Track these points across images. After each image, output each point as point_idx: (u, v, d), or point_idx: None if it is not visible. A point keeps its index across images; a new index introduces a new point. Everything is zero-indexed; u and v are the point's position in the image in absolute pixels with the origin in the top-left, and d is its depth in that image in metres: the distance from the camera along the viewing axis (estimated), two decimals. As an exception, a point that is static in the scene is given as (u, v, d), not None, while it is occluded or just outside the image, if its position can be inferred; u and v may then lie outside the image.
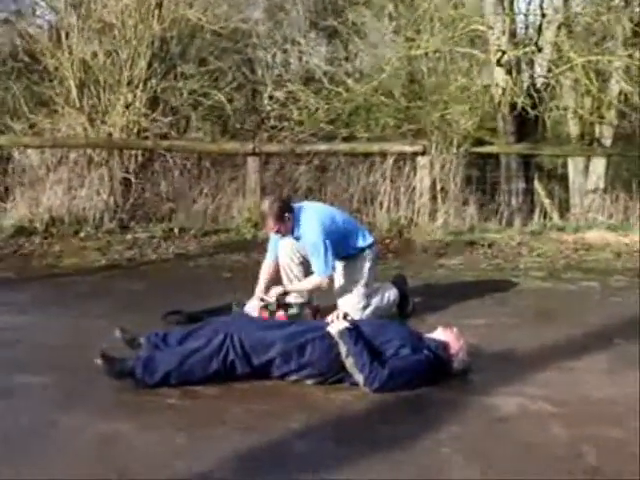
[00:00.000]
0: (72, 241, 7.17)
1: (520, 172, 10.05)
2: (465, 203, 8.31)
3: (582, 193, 10.57)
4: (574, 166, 11.18)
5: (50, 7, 10.57)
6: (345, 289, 4.78)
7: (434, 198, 7.96)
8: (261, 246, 7.03)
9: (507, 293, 5.73)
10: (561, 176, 12.51)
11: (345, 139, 10.17)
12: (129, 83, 9.11)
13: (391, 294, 4.95)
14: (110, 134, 8.91)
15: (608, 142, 10.76)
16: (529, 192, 10.09)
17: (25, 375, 3.80)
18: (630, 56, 9.45)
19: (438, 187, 8.00)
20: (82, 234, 7.31)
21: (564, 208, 10.41)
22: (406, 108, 11.05)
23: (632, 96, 9.90)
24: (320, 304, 4.73)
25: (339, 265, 4.79)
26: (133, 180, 8.31)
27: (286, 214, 4.58)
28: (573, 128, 11.25)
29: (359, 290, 4.76)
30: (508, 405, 3.51)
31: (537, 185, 11.23)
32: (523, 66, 10.14)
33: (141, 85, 9.16)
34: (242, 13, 11.07)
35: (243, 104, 11.02)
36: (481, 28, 9.96)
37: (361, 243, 4.81)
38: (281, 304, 4.56)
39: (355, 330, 3.74)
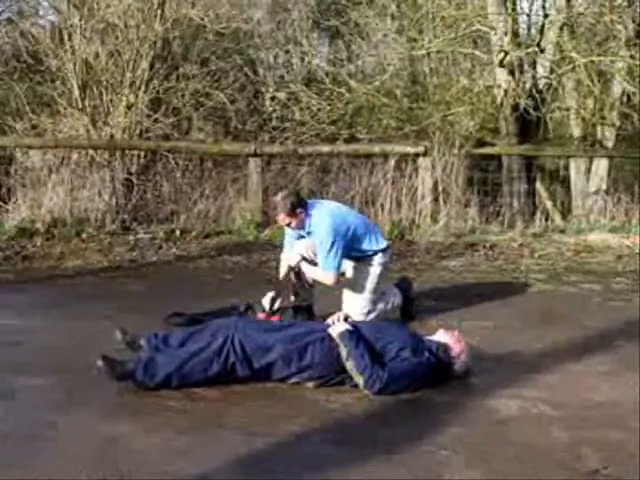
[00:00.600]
0: (74, 242, 7.17)
1: (522, 173, 10.02)
2: (467, 205, 8.31)
3: (584, 195, 10.54)
4: (576, 168, 11.15)
5: (53, 7, 10.59)
6: (353, 293, 4.76)
7: (436, 199, 7.96)
8: (263, 248, 7.08)
9: (508, 295, 5.72)
10: (563, 178, 12.49)
11: (347, 140, 10.18)
12: (131, 84, 9.13)
13: (396, 299, 4.94)
14: (112, 135, 8.92)
15: (610, 143, 10.74)
16: (531, 194, 10.07)
17: (26, 377, 3.80)
18: (633, 57, 9.43)
19: (440, 188, 8.00)
20: (84, 235, 7.31)
21: (566, 210, 10.41)
22: (408, 109, 11.06)
23: (635, 97, 9.88)
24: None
25: (349, 267, 4.79)
26: (135, 181, 8.31)
27: (298, 209, 4.59)
28: (575, 129, 11.23)
29: (366, 295, 4.74)
30: (509, 408, 3.51)
31: (539, 187, 11.21)
32: (525, 67, 10.12)
33: (143, 86, 9.18)
34: (244, 13, 11.09)
35: (245, 105, 11.02)
36: (483, 29, 9.95)
37: (372, 247, 4.76)
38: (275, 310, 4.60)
39: (356, 332, 3.74)
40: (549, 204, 10.95)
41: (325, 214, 4.63)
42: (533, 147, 9.86)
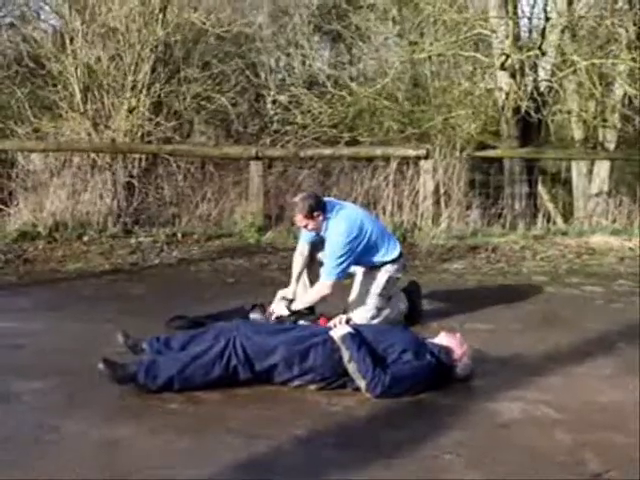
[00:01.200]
0: (75, 245, 7.17)
1: (523, 176, 10.03)
2: (468, 207, 8.31)
3: (586, 197, 10.55)
4: (578, 170, 11.16)
5: (55, 12, 10.61)
6: (359, 298, 4.74)
7: (437, 202, 7.95)
8: (264, 251, 7.08)
9: (510, 297, 5.70)
10: (565, 180, 12.50)
11: (348, 143, 10.18)
12: (133, 87, 9.15)
13: (401, 305, 4.93)
14: (114, 138, 8.93)
15: (612, 146, 10.74)
16: (532, 196, 10.08)
17: (27, 379, 3.79)
18: (634, 59, 9.43)
19: (441, 191, 7.99)
20: (85, 238, 7.31)
21: (568, 212, 10.41)
22: (410, 112, 11.06)
23: (636, 99, 9.88)
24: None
25: (359, 272, 4.78)
26: (136, 184, 8.32)
27: (315, 212, 4.58)
28: (577, 132, 11.24)
29: (371, 300, 4.72)
30: (511, 410, 3.51)
31: (541, 189, 11.22)
32: (527, 70, 10.13)
33: (145, 89, 9.19)
34: (246, 17, 11.11)
35: (246, 108, 11.04)
36: (485, 32, 9.97)
37: (385, 257, 4.73)
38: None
39: (357, 335, 3.74)
40: (551, 206, 10.96)
41: (342, 220, 4.60)
42: (534, 150, 9.87)
